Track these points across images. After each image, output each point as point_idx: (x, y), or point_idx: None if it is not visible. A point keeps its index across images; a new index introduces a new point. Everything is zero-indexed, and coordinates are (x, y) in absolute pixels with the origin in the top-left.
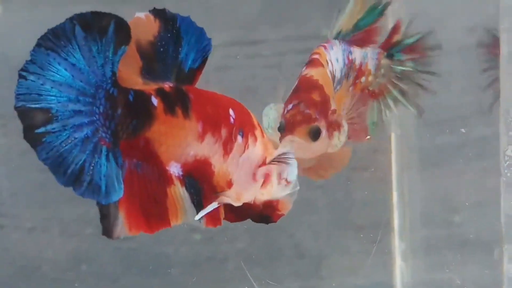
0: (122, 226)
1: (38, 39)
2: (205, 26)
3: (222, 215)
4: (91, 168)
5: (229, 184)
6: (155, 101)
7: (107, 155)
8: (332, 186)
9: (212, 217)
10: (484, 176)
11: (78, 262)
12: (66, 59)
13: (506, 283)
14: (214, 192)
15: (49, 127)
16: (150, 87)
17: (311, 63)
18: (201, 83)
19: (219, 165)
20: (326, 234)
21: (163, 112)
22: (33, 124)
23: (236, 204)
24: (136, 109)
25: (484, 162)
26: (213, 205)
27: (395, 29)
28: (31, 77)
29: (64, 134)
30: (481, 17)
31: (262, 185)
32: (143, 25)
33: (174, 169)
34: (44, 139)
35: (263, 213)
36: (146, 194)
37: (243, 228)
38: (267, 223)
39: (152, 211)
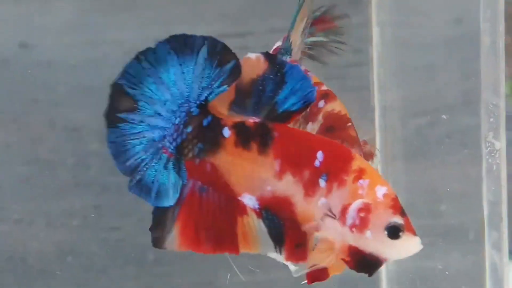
0: (172, 240)
1: (171, 36)
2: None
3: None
4: (145, 169)
5: (316, 228)
6: (227, 132)
7: (166, 163)
8: None
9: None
10: (467, 164)
11: (64, 254)
12: (180, 65)
13: (489, 270)
14: (298, 234)
15: (130, 116)
16: (232, 119)
17: (329, 97)
18: None
19: (302, 205)
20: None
21: (233, 144)
22: (118, 107)
23: (331, 258)
24: (205, 134)
25: (467, 151)
26: (316, 267)
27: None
28: (144, 64)
29: (138, 128)
30: (464, 8)
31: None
32: (251, 64)
33: (249, 201)
34: (119, 124)
35: (370, 259)
36: (204, 217)
37: None
38: (370, 273)
39: (208, 234)
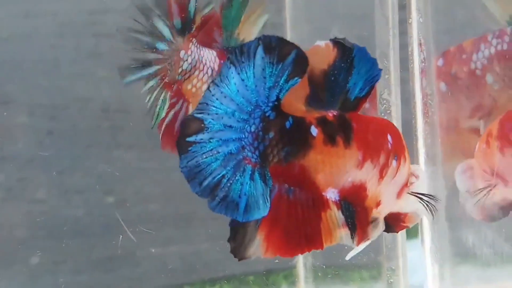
0: (257, 247)
1: (228, 54)
2: None
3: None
4: (229, 184)
5: (378, 205)
6: (314, 131)
7: (251, 174)
8: None
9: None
10: None
11: None
12: (238, 74)
13: None
14: (366, 217)
15: (198, 137)
16: (311, 115)
17: None
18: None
19: (373, 188)
20: None
21: (322, 142)
22: (187, 133)
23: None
24: (292, 136)
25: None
26: (365, 244)
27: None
28: (211, 88)
29: (209, 146)
30: None
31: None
32: (321, 53)
33: (331, 195)
34: (190, 148)
35: (388, 222)
36: (293, 219)
37: (158, 190)
38: (388, 232)
39: (297, 235)
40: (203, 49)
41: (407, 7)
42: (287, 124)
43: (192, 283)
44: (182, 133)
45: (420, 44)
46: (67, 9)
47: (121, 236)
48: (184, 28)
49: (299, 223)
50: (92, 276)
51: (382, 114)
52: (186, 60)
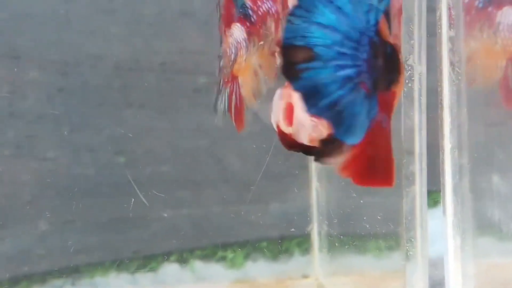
0: (339, 161)
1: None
2: None
3: None
4: (345, 103)
5: None
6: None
7: (364, 99)
8: None
9: None
10: None
11: None
12: (331, 2)
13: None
14: None
15: (311, 64)
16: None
17: None
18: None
19: None
20: (254, 160)
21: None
22: (294, 60)
23: None
24: (393, 63)
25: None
26: None
27: None
28: (296, 21)
29: (326, 71)
30: None
31: None
32: None
33: None
34: (302, 75)
35: None
36: (384, 149)
37: (170, 150)
38: None
39: (379, 166)
40: (233, 30)
41: None
42: (388, 49)
43: (203, 248)
44: (288, 61)
45: (449, 9)
46: None
47: (133, 200)
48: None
49: (388, 153)
50: (101, 237)
51: (406, 81)
52: (232, 53)
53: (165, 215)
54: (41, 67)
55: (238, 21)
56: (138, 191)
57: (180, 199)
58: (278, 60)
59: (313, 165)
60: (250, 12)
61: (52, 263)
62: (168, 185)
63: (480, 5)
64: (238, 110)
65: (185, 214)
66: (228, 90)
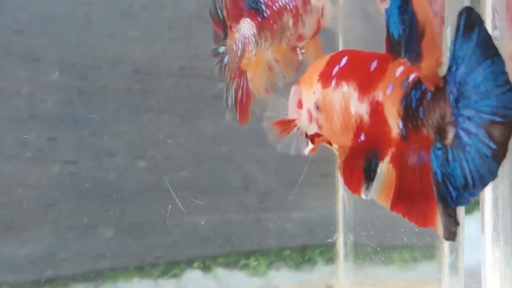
0: None
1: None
2: None
3: None
4: None
5: None
6: None
7: None
8: None
9: None
10: None
11: (15, 185)
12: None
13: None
14: None
15: None
16: None
17: None
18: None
19: None
20: (274, 167)
21: None
22: None
23: None
24: None
25: None
26: None
27: None
28: None
29: None
30: None
31: None
32: None
33: None
34: None
35: None
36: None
37: (189, 156)
38: None
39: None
40: (241, 26)
41: None
42: None
43: (226, 255)
44: None
45: (495, 11)
46: None
47: (170, 206)
48: (226, 32)
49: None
50: (122, 242)
51: None
52: (239, 48)
53: (188, 221)
54: (61, 69)
55: (248, 16)
56: (175, 197)
57: (201, 206)
58: (300, 56)
59: (338, 173)
60: (263, 7)
61: (75, 267)
62: (188, 191)
63: None
64: (243, 104)
65: (207, 220)
66: (235, 85)
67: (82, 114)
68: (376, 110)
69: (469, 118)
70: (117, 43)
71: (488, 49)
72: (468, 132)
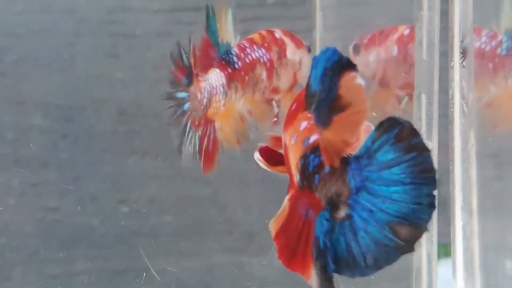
0: None
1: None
2: None
3: None
4: None
5: None
6: None
7: None
8: None
9: None
10: None
11: None
12: None
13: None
14: None
15: None
16: None
17: None
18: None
19: None
20: (258, 209)
21: None
22: None
23: None
24: None
25: None
26: None
27: None
28: None
29: None
30: None
31: None
32: None
33: None
34: None
35: None
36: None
37: (173, 199)
38: None
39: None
40: (209, 75)
41: (450, 50)
42: None
43: None
44: None
45: (462, 89)
46: (85, 6)
47: (137, 251)
48: (190, 79)
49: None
50: None
51: None
52: (204, 97)
53: (169, 267)
54: (45, 112)
55: (218, 67)
56: (150, 266)
57: (184, 251)
58: (276, 109)
59: None
60: (235, 59)
61: None
62: (171, 236)
63: (503, 52)
64: (209, 153)
65: (191, 266)
66: (199, 133)
67: (66, 157)
68: (285, 152)
69: (370, 211)
70: (102, 84)
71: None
72: (366, 221)
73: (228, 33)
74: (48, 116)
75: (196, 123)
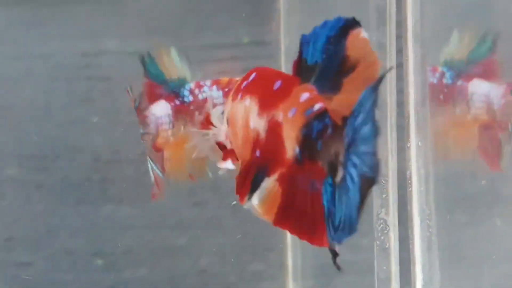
0: None
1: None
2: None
3: None
4: None
5: None
6: None
7: None
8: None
9: None
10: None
11: None
12: None
13: None
14: None
15: None
16: None
17: None
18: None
19: None
20: (232, 258)
21: None
22: None
23: None
24: None
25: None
26: None
27: None
28: None
29: None
30: None
31: None
32: None
33: None
34: None
35: None
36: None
37: (148, 251)
38: None
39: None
40: (153, 106)
41: (406, 130)
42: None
43: None
44: None
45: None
46: (59, 51)
47: None
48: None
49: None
50: None
51: (379, 234)
52: (151, 127)
53: None
54: (19, 162)
55: (165, 98)
56: None
57: None
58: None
59: (290, 265)
60: (186, 92)
61: None
62: None
63: (449, 81)
64: (157, 180)
65: None
66: (149, 161)
67: (40, 210)
68: (274, 129)
69: (354, 165)
70: (77, 130)
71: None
72: (352, 179)
73: (178, 70)
74: (22, 166)
75: (147, 151)
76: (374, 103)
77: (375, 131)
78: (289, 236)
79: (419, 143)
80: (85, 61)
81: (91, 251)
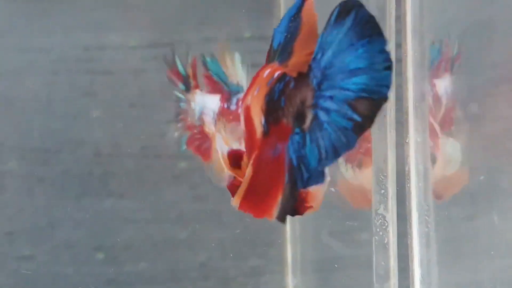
0: None
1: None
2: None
3: None
4: None
5: None
6: None
7: None
8: None
9: None
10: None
11: None
12: None
13: None
14: None
15: None
16: None
17: None
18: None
19: None
20: (233, 252)
21: None
22: None
23: None
24: None
25: (357, 222)
26: None
27: None
28: None
29: None
30: None
31: None
32: None
33: None
34: None
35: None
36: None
37: (149, 244)
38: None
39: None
40: (207, 96)
41: (405, 125)
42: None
43: None
44: None
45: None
46: (61, 44)
47: None
48: (188, 86)
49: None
50: None
51: (378, 230)
52: (196, 108)
53: None
54: (21, 155)
55: (222, 95)
56: None
57: None
58: None
59: (290, 260)
60: (235, 100)
61: None
62: (147, 284)
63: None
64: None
65: None
66: (187, 134)
67: (41, 203)
68: (247, 115)
69: (331, 98)
70: (78, 124)
71: (364, 30)
72: (328, 110)
73: (238, 76)
74: (24, 159)
75: (187, 124)
76: (350, 29)
77: (366, 52)
78: (288, 231)
79: (418, 139)
80: (87, 54)
81: (92, 244)
